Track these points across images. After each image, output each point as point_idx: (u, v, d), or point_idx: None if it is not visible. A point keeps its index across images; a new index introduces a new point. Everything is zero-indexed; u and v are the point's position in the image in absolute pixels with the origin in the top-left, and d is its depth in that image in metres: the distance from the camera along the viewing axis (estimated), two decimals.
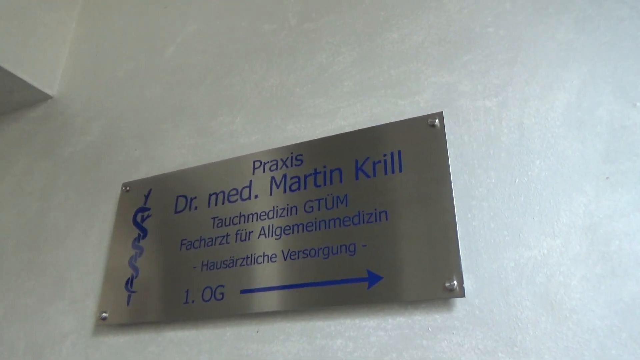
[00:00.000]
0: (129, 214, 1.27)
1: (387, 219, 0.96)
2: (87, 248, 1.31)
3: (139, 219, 1.25)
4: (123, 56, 1.63)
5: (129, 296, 1.16)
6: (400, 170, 1.00)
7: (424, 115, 1.04)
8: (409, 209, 0.95)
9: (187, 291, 1.09)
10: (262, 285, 1.02)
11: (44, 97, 1.68)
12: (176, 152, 1.33)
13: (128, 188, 1.32)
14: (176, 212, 1.21)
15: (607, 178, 0.85)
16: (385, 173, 1.02)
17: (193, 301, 1.07)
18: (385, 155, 1.04)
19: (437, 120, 1.02)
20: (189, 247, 1.15)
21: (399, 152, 1.02)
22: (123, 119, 1.48)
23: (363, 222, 0.98)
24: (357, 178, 1.04)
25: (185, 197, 1.22)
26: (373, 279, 0.92)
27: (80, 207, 1.39)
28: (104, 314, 1.16)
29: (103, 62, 1.66)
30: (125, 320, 1.14)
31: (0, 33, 1.54)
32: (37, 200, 1.49)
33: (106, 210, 1.33)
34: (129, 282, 1.17)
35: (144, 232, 1.23)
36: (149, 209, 1.25)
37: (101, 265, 1.25)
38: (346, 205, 1.02)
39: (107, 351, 1.14)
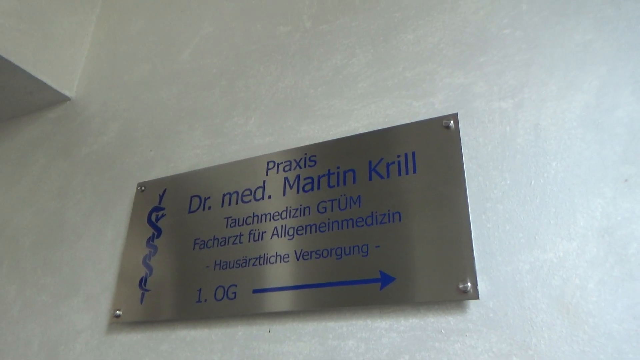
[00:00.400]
0: (144, 214, 1.28)
1: (400, 220, 0.96)
2: (102, 246, 1.32)
3: (153, 218, 1.26)
4: (140, 58, 1.65)
5: (143, 294, 1.17)
6: (415, 172, 1.00)
7: (438, 117, 1.04)
8: (423, 210, 0.95)
9: (200, 290, 1.10)
10: (275, 285, 1.02)
11: (62, 99, 1.71)
12: (191, 153, 1.34)
13: (143, 188, 1.33)
14: (190, 212, 1.22)
15: (626, 180, 0.83)
16: (399, 174, 1.01)
17: (206, 300, 1.08)
18: (399, 156, 1.03)
19: (451, 122, 1.01)
20: (202, 246, 1.15)
21: (413, 153, 1.02)
22: (139, 120, 1.50)
23: (376, 223, 0.98)
24: (370, 179, 1.04)
25: (199, 197, 1.23)
26: (386, 280, 0.91)
27: (96, 206, 1.41)
28: (117, 312, 1.17)
29: (120, 65, 1.69)
30: (138, 318, 1.15)
31: (21, 36, 1.57)
32: (54, 199, 1.51)
33: (121, 209, 1.35)
34: (143, 281, 1.18)
35: (158, 232, 1.24)
36: (163, 209, 1.27)
37: (116, 264, 1.27)
38: (359, 206, 1.01)
39: (120, 349, 1.15)
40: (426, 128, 1.04)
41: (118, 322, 1.17)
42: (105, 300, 1.23)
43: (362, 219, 1.00)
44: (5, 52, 1.51)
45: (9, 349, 1.31)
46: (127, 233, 1.28)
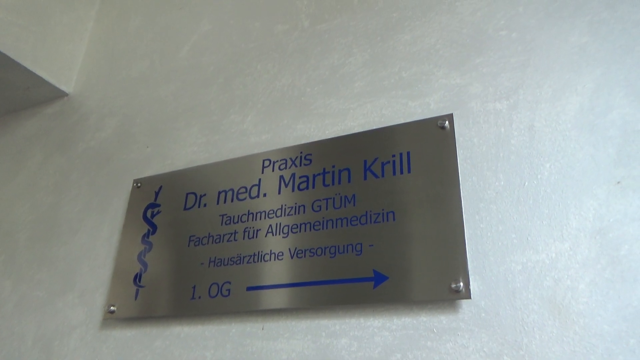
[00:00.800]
0: (140, 210, 1.28)
1: (394, 220, 0.96)
2: (98, 242, 1.32)
3: (149, 214, 1.26)
4: (138, 55, 1.65)
5: (137, 291, 1.17)
6: (409, 172, 1.00)
7: (434, 117, 1.04)
8: (417, 210, 0.95)
9: (194, 287, 1.10)
10: (269, 283, 1.03)
11: (60, 94, 1.71)
12: (187, 150, 1.34)
13: (139, 184, 1.33)
14: (185, 208, 1.22)
15: (619, 182, 0.84)
16: (394, 174, 1.02)
17: (200, 297, 1.08)
18: (394, 156, 1.03)
19: (447, 122, 1.01)
20: (197, 243, 1.16)
21: (408, 153, 1.02)
22: (136, 117, 1.50)
23: (370, 222, 0.98)
24: (365, 178, 1.04)
25: (195, 194, 1.23)
26: (379, 278, 0.92)
27: (92, 202, 1.41)
28: (112, 308, 1.17)
29: (118, 61, 1.69)
30: (132, 314, 1.15)
31: (20, 31, 1.57)
32: (50, 194, 1.51)
33: (117, 205, 1.35)
34: (138, 277, 1.19)
35: (153, 228, 1.24)
36: (159, 205, 1.27)
37: (111, 260, 1.27)
38: (354, 205, 1.02)
39: (114, 344, 1.15)
40: (421, 128, 1.04)
41: (112, 317, 1.17)
42: (100, 296, 1.23)
43: (357, 218, 1.00)
44: (3, 47, 1.51)
45: (3, 343, 1.31)
46: (122, 229, 1.29)
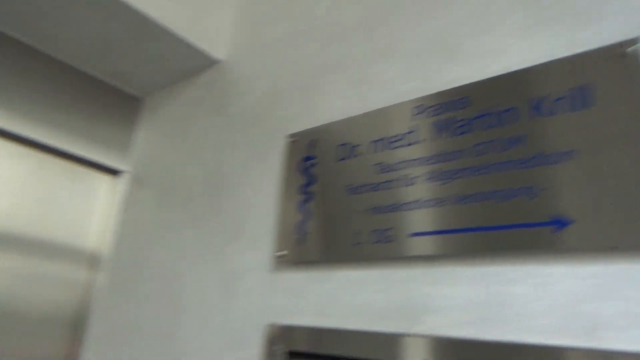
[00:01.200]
0: (296, 163, 1.36)
1: (576, 159, 0.88)
2: (261, 194, 1.44)
3: (305, 166, 1.33)
4: (280, 17, 1.70)
5: (302, 237, 1.26)
6: (588, 107, 0.90)
7: (614, 44, 0.91)
8: (603, 147, 0.86)
9: (356, 233, 1.14)
10: (433, 229, 1.02)
11: (213, 62, 1.85)
12: (336, 103, 1.37)
13: (293, 139, 1.41)
14: (340, 159, 1.26)
15: None
16: (570, 110, 0.92)
17: (362, 243, 1.12)
18: (568, 91, 0.94)
19: (632, 48, 0.88)
20: (354, 192, 1.19)
21: (585, 86, 0.92)
22: (284, 76, 1.57)
23: (546, 163, 0.91)
24: (534, 117, 0.96)
25: (347, 145, 1.26)
26: (562, 223, 0.85)
27: (252, 158, 1.53)
28: (280, 253, 1.28)
29: (262, 25, 1.76)
30: (299, 259, 1.24)
31: (175, 6, 1.71)
32: (215, 152, 1.68)
33: (274, 159, 1.45)
34: (301, 225, 1.27)
35: (310, 179, 1.31)
36: (313, 157, 1.33)
37: (275, 209, 1.37)
38: (524, 146, 0.95)
39: (286, 285, 1.26)
40: (599, 57, 0.92)
41: (282, 261, 1.28)
42: (269, 242, 1.35)
43: (528, 160, 0.94)
44: (166, 21, 1.66)
45: (193, 281, 1.52)
46: (282, 181, 1.38)
